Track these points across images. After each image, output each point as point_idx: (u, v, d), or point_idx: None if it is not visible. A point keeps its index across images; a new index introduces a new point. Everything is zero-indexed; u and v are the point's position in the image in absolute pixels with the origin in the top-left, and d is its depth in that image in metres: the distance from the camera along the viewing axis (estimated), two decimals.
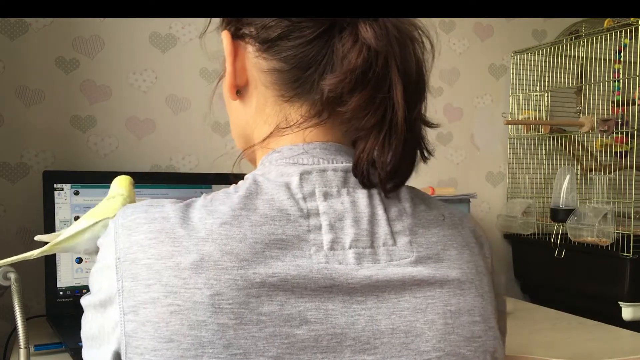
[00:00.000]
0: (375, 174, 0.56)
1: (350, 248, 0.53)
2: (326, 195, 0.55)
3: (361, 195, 0.56)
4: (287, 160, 0.58)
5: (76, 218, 1.20)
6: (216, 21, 0.65)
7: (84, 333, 0.57)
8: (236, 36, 0.61)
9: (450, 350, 0.54)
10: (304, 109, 0.59)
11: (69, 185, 1.20)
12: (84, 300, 0.57)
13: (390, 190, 0.57)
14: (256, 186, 0.55)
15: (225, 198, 0.54)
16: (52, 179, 1.19)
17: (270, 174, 0.57)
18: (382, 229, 0.56)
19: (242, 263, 0.49)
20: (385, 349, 0.52)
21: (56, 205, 1.19)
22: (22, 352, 0.86)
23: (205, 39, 0.67)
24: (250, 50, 0.60)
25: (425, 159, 0.59)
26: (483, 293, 0.59)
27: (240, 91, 0.63)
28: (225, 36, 0.61)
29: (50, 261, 1.18)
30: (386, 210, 0.57)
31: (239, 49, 0.61)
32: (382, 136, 0.55)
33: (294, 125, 0.59)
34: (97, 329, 0.54)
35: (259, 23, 0.58)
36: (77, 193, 1.21)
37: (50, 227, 1.18)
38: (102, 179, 1.23)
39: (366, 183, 0.56)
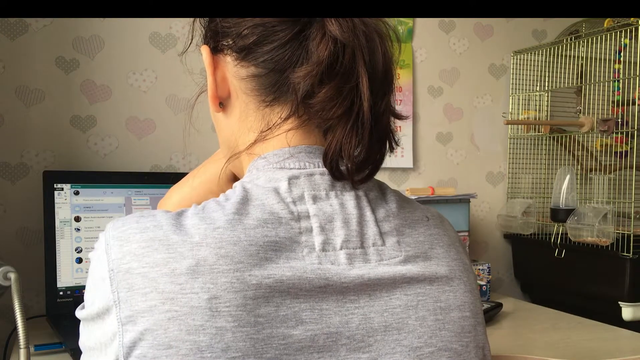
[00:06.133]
0: (344, 164, 0.57)
1: (341, 249, 0.55)
2: (315, 199, 0.56)
3: (349, 197, 0.58)
4: (274, 166, 0.58)
5: (76, 218, 1.20)
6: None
7: (82, 343, 0.57)
8: (215, 50, 0.63)
9: (442, 346, 0.56)
10: (284, 112, 0.60)
11: (69, 185, 1.20)
12: (79, 314, 0.56)
13: (358, 182, 0.58)
14: (246, 193, 0.55)
15: (216, 206, 0.54)
16: (52, 179, 1.19)
17: (259, 180, 0.58)
18: (371, 229, 0.57)
19: (237, 265, 0.50)
20: (379, 346, 0.53)
21: (56, 205, 1.19)
22: (22, 352, 0.86)
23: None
24: (229, 61, 0.62)
25: (392, 149, 0.61)
26: (471, 289, 0.60)
27: (223, 103, 0.64)
28: (204, 50, 0.63)
29: (50, 261, 1.18)
30: (374, 211, 0.58)
31: (218, 62, 0.63)
32: (349, 126, 0.56)
33: (274, 126, 0.60)
34: (94, 342, 0.54)
35: (234, 33, 0.60)
36: (77, 193, 1.21)
37: (50, 227, 1.18)
38: (102, 179, 1.24)
39: (336, 174, 0.57)
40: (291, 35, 0.57)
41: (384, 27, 0.60)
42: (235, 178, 0.76)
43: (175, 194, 0.80)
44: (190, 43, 0.68)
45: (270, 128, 0.60)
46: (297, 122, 0.60)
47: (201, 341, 0.48)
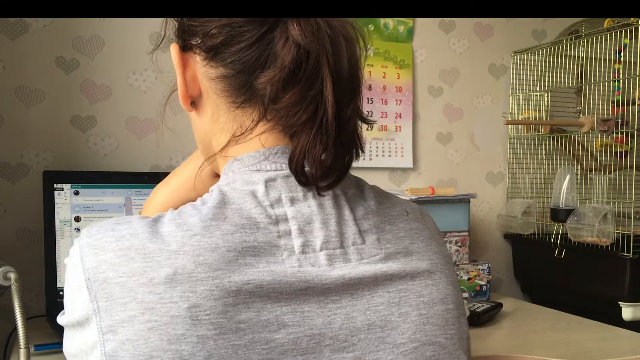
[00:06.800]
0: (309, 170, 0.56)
1: (321, 250, 0.54)
2: (293, 201, 0.56)
3: (327, 197, 0.57)
4: (250, 168, 0.58)
5: (76, 218, 1.20)
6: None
7: (64, 349, 0.56)
8: (184, 48, 0.62)
9: (426, 340, 0.56)
10: (255, 115, 0.59)
11: (69, 185, 1.20)
12: (60, 320, 0.56)
13: (324, 188, 0.56)
14: (223, 196, 0.55)
15: (193, 211, 0.53)
16: (52, 179, 1.19)
17: (236, 183, 0.57)
18: (350, 228, 0.57)
19: (216, 272, 0.49)
20: (362, 345, 0.53)
21: (56, 205, 1.19)
22: (22, 352, 0.86)
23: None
24: (198, 60, 0.61)
25: (357, 156, 0.59)
26: (453, 282, 0.61)
27: (195, 102, 0.63)
28: (173, 48, 0.62)
29: (50, 261, 1.18)
30: (352, 210, 0.58)
31: (188, 60, 0.62)
32: (313, 132, 0.55)
33: (247, 131, 0.59)
34: (75, 349, 0.53)
35: (201, 32, 0.59)
36: (77, 193, 1.21)
37: (50, 227, 1.18)
38: (102, 179, 1.23)
39: (302, 180, 0.56)
40: (257, 36, 0.56)
41: (352, 30, 0.58)
42: (217, 176, 0.75)
43: (159, 194, 0.79)
44: (162, 40, 0.67)
45: (243, 133, 0.59)
46: (268, 125, 0.59)
47: (183, 350, 0.47)
